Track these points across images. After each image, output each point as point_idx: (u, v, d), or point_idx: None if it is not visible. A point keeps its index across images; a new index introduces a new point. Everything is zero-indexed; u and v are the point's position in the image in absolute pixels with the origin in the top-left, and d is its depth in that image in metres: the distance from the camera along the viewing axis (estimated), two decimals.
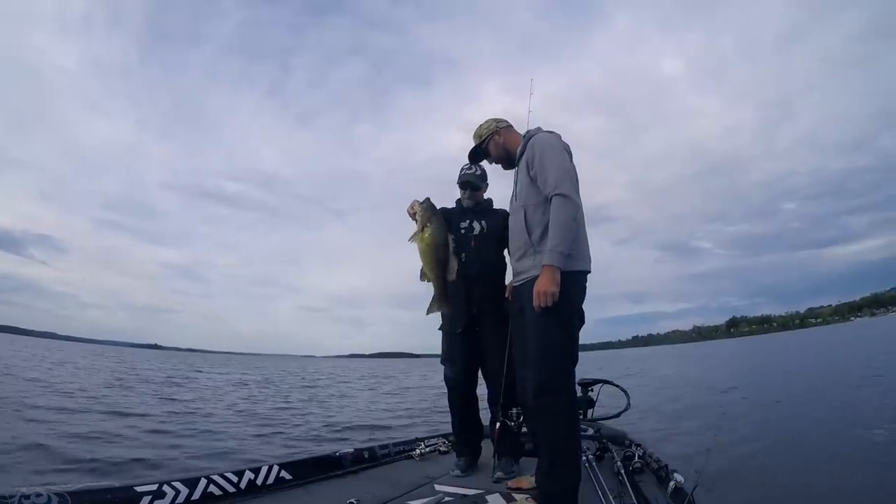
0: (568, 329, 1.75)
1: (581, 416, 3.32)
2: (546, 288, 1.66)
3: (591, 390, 3.41)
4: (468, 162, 2.31)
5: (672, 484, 1.86)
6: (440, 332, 2.47)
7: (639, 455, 2.28)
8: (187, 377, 15.76)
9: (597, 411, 3.40)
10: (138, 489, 1.60)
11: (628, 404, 3.27)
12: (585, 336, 1.89)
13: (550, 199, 1.76)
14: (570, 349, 1.76)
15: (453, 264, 2.01)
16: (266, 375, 20.73)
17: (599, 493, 1.82)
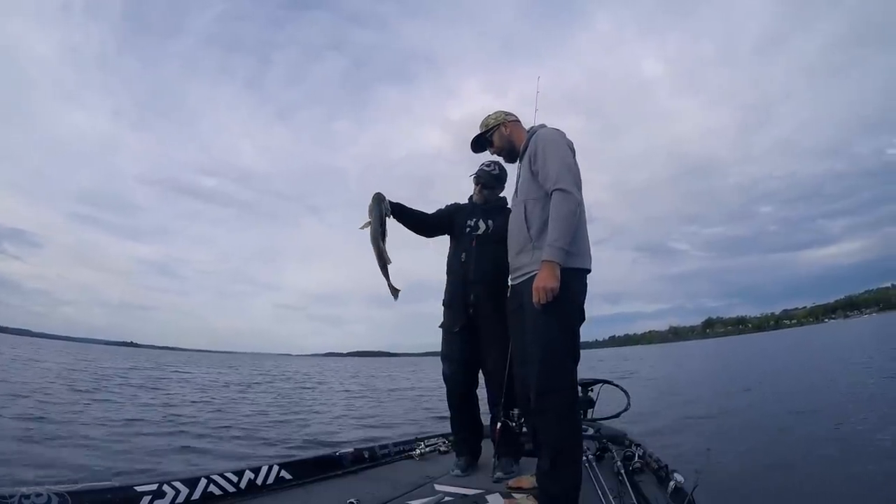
0: (569, 327, 1.72)
1: (581, 416, 3.32)
2: (546, 283, 1.62)
3: (591, 390, 3.41)
4: (472, 150, 2.25)
5: (672, 484, 1.86)
6: (440, 329, 2.47)
7: (639, 455, 2.28)
8: (149, 377, 14.84)
9: (597, 411, 3.40)
10: (138, 489, 1.60)
11: (628, 404, 3.27)
12: None
13: (551, 193, 1.72)
14: (571, 348, 1.72)
15: (383, 250, 2.17)
16: (242, 375, 19.86)
17: (599, 493, 1.81)
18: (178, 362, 32.30)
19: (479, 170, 2.50)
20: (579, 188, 1.76)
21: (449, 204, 2.58)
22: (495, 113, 2.13)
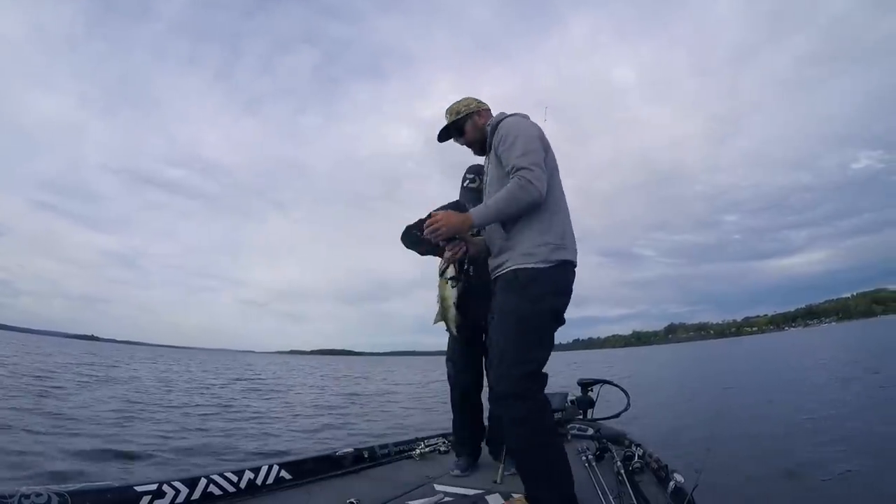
0: (529, 329, 1.59)
1: (581, 416, 3.32)
2: (447, 220, 1.63)
3: (591, 390, 3.41)
4: (438, 139, 2.06)
5: (672, 484, 1.85)
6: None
7: (639, 455, 2.27)
8: (88, 373, 13.03)
9: (597, 411, 3.40)
10: (138, 489, 1.60)
11: (628, 404, 3.26)
12: None
13: (511, 176, 1.61)
14: (527, 354, 1.57)
15: (458, 318, 1.99)
16: (193, 373, 17.76)
17: (599, 493, 1.82)
18: (133, 358, 29.52)
19: (465, 180, 2.47)
20: (539, 177, 1.60)
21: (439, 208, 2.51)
22: (465, 100, 1.95)
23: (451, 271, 1.92)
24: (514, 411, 1.56)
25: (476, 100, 1.95)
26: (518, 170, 1.60)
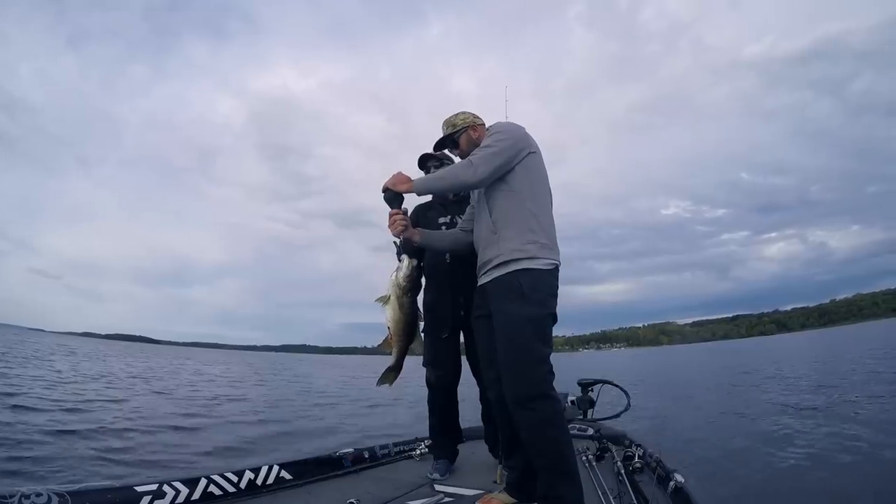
0: (541, 332, 1.65)
1: (581, 416, 3.32)
2: (394, 176, 1.76)
3: (591, 390, 3.42)
4: (433, 149, 2.14)
5: (672, 484, 1.85)
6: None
7: (639, 455, 2.27)
8: None
9: (597, 411, 3.40)
10: (138, 489, 1.60)
11: (628, 404, 3.27)
12: None
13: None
14: (544, 354, 1.64)
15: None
16: None
17: (599, 493, 1.82)
18: None
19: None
20: (491, 173, 1.69)
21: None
22: (462, 114, 2.01)
23: (402, 281, 1.78)
24: (541, 413, 1.59)
25: (472, 114, 2.02)
26: (471, 156, 1.75)
